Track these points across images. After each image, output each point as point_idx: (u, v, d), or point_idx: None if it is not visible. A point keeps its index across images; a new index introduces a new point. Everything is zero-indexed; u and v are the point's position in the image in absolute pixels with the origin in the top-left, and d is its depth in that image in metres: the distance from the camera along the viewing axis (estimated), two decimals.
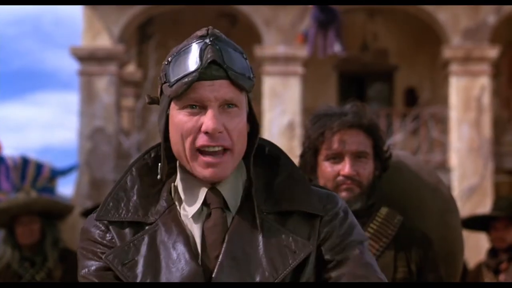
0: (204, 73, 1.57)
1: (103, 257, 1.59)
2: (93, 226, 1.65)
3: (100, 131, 14.37)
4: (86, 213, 5.93)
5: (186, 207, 1.64)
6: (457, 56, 14.23)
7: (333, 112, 2.57)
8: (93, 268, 1.61)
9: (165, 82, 1.61)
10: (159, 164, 1.66)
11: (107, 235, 1.63)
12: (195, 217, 1.63)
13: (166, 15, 16.19)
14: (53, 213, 4.81)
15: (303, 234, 1.62)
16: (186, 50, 1.60)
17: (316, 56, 8.39)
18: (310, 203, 1.65)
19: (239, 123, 1.60)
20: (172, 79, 1.59)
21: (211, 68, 1.58)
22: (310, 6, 7.84)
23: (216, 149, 1.59)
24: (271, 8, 14.31)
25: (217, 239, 1.59)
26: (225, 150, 1.60)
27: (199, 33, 1.62)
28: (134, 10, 14.62)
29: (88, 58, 14.49)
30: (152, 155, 1.70)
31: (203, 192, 1.63)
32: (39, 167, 6.93)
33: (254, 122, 1.67)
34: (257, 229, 1.60)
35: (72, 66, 42.20)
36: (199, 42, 1.59)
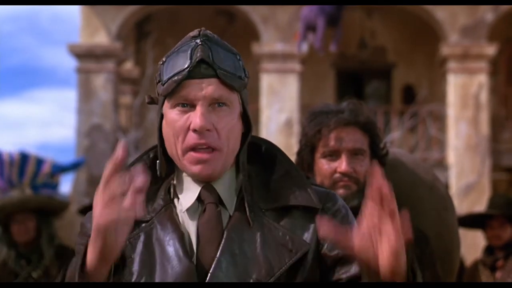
0: (193, 71, 1.62)
1: None
2: (90, 222, 1.65)
3: (98, 129, 14.36)
4: (83, 210, 5.92)
5: (182, 202, 1.66)
6: (455, 53, 14.23)
7: (329, 110, 2.57)
8: None
9: (159, 81, 1.66)
10: (157, 163, 1.69)
11: None
12: (191, 213, 1.65)
13: (164, 12, 16.18)
14: (49, 210, 4.80)
15: (300, 232, 1.63)
16: (178, 51, 1.65)
17: (314, 53, 8.39)
18: (308, 198, 1.66)
19: (229, 122, 1.63)
20: (164, 78, 1.64)
21: (200, 67, 1.62)
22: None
23: (205, 146, 1.62)
24: (269, 5, 14.30)
25: (212, 235, 1.61)
26: (213, 149, 1.62)
27: (191, 34, 1.67)
28: (131, 8, 14.62)
29: (86, 55, 14.48)
30: (151, 155, 1.73)
31: (198, 188, 1.66)
32: (39, 162, 6.85)
33: (248, 121, 1.69)
34: (255, 227, 1.62)
35: (69, 63, 42.19)
36: (190, 43, 1.65)
